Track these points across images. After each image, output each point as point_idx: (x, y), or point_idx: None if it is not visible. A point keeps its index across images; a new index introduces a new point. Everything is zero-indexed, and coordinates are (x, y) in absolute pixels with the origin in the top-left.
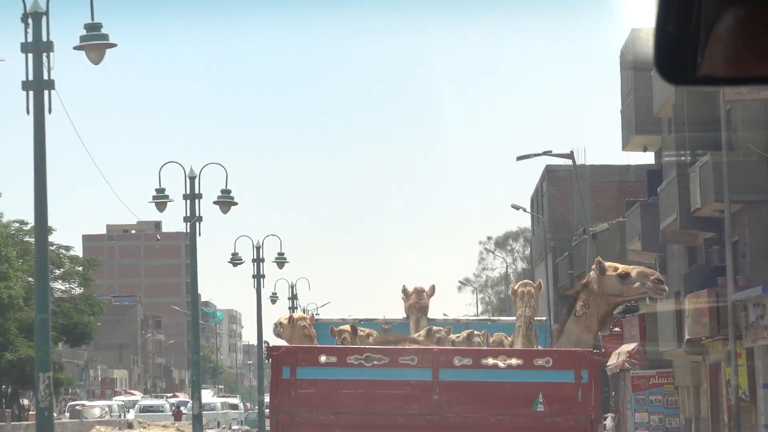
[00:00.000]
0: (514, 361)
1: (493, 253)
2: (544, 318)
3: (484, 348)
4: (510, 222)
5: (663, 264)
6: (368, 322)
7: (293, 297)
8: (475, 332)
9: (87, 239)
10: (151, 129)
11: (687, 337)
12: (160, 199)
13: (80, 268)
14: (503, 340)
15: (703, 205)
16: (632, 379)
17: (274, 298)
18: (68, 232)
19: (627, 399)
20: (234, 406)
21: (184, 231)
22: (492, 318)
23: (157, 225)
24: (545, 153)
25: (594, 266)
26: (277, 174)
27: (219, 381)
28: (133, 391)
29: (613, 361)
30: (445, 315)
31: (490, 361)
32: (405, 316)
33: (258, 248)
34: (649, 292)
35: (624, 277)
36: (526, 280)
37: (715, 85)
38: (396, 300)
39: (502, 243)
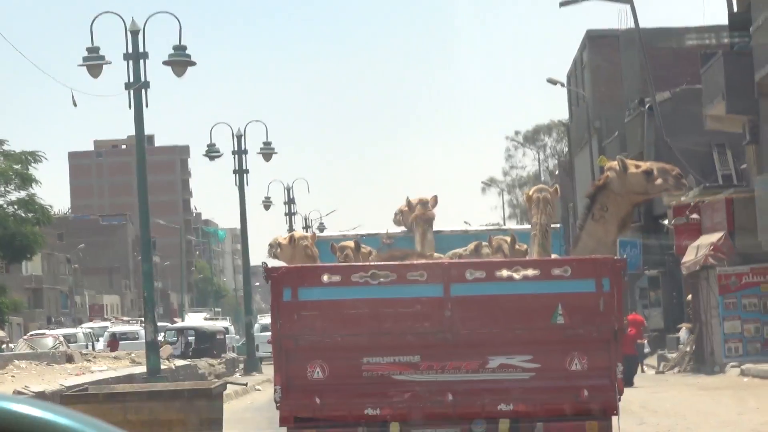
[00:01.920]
0: (530, 272)
1: (523, 146)
2: (558, 225)
3: (498, 260)
4: (541, 114)
5: (755, 129)
6: (370, 237)
7: (290, 202)
8: (483, 243)
9: (73, 156)
10: None
11: None
12: (94, 61)
13: (18, 167)
14: (502, 245)
15: None
16: (719, 278)
17: (267, 203)
18: (54, 150)
19: (712, 304)
20: (224, 331)
21: (178, 145)
22: (503, 227)
23: (150, 139)
24: None
25: (613, 164)
26: (261, 55)
27: (222, 305)
28: (124, 318)
29: (690, 257)
30: (466, 223)
31: (505, 273)
32: (406, 229)
33: (239, 137)
34: (671, 189)
35: (649, 173)
36: (541, 185)
37: None
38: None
39: (532, 137)
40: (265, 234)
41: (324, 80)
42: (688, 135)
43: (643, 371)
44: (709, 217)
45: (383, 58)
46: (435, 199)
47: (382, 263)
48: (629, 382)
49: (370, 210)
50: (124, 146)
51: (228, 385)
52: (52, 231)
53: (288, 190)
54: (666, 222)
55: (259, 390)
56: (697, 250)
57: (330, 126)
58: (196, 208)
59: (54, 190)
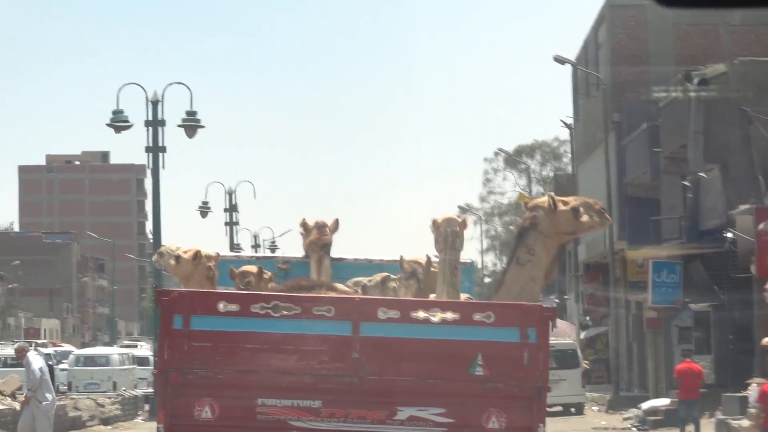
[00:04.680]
0: (449, 316)
1: (509, 165)
2: (470, 260)
3: (415, 299)
4: (525, 133)
5: None
6: (266, 261)
7: (231, 209)
8: (392, 276)
9: (24, 170)
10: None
11: None
12: None
13: None
14: (416, 269)
15: None
16: None
17: (204, 210)
18: (2, 163)
19: None
20: (143, 361)
21: (136, 163)
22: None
23: (105, 156)
24: None
25: (542, 202)
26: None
27: None
28: (62, 344)
29: None
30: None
31: (421, 314)
32: (304, 254)
33: (155, 103)
34: (595, 226)
35: (576, 211)
36: (450, 216)
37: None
38: (382, 231)
39: (513, 160)
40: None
41: (283, 81)
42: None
43: None
44: None
45: (351, 63)
46: (336, 222)
47: (286, 294)
48: None
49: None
50: (77, 162)
51: None
52: None
53: (230, 194)
54: (728, 234)
55: None
56: None
57: (289, 131)
58: (151, 232)
59: (1, 205)
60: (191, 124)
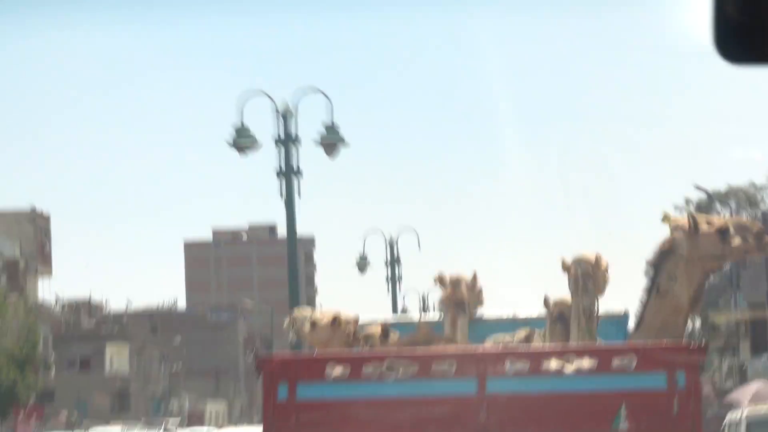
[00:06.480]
0: (585, 364)
1: (714, 197)
2: (623, 310)
3: (545, 348)
4: (721, 177)
5: None
6: (403, 326)
7: (393, 261)
8: (537, 331)
9: (190, 247)
10: None
11: None
12: None
13: None
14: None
15: None
16: None
17: (362, 263)
18: (169, 237)
19: None
20: None
21: (303, 236)
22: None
23: (272, 230)
24: None
25: (682, 223)
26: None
27: None
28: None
29: None
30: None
31: (553, 365)
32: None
33: (285, 116)
34: (751, 251)
35: (724, 233)
36: (581, 256)
37: None
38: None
39: (706, 207)
40: (360, 307)
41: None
42: None
43: None
44: None
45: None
46: (475, 277)
47: (399, 350)
48: None
49: (513, 292)
50: (244, 236)
51: None
52: (144, 323)
53: (391, 245)
54: None
55: None
56: None
57: (451, 170)
58: (321, 306)
59: (167, 281)
60: (331, 141)
